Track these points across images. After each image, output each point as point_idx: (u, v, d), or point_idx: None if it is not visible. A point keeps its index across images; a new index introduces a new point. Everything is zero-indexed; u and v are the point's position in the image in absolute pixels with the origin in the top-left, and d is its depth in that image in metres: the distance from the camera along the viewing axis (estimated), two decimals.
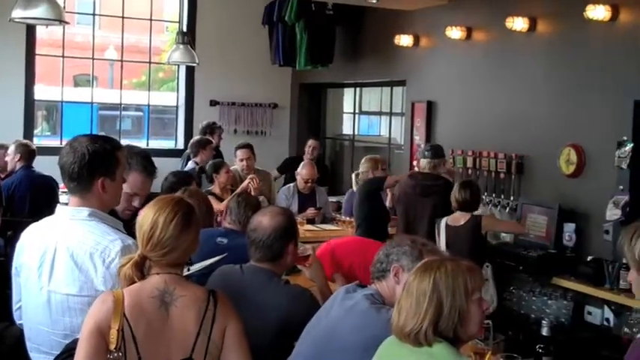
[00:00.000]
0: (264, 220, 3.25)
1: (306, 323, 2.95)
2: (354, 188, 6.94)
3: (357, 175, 6.96)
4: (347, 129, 10.28)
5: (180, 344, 2.40)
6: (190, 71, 9.84)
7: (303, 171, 7.31)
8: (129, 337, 2.36)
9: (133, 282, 2.44)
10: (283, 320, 3.06)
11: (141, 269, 2.46)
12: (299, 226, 6.74)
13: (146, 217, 2.48)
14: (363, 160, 6.91)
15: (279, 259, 3.24)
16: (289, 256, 3.26)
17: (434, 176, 5.95)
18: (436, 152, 6.11)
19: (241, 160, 7.49)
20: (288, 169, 8.59)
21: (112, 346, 2.35)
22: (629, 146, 5.34)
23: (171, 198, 2.59)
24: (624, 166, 5.36)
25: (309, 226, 6.91)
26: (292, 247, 3.27)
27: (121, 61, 10.20)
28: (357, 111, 10.02)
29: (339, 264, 5.05)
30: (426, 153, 6.13)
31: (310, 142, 8.77)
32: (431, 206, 5.86)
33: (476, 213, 5.71)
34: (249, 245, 3.27)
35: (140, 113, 10.80)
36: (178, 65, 9.76)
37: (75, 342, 2.45)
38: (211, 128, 8.54)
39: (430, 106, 7.63)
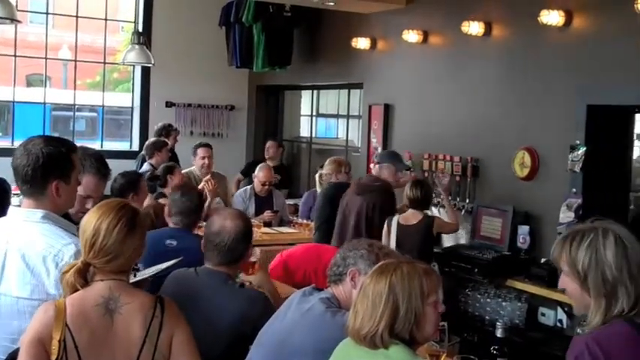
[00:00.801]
0: (227, 224, 3.24)
1: (263, 324, 2.93)
2: (318, 189, 6.92)
3: (320, 176, 6.93)
4: (304, 131, 10.28)
5: (125, 353, 2.35)
6: (146, 72, 9.73)
7: (260, 174, 7.29)
8: (71, 347, 2.32)
9: (76, 289, 2.39)
10: (239, 322, 3.05)
11: (84, 276, 2.41)
12: (256, 229, 6.78)
13: (88, 223, 2.43)
14: (327, 162, 6.88)
15: (237, 262, 3.25)
16: (246, 260, 3.27)
17: (375, 178, 5.99)
18: (382, 157, 6.17)
19: (202, 158, 7.47)
20: (251, 171, 8.54)
21: (54, 357, 2.30)
22: (582, 150, 5.43)
23: (115, 202, 2.53)
24: (577, 169, 5.45)
25: (266, 229, 6.89)
26: (250, 251, 3.28)
27: (75, 60, 10.05)
28: (314, 113, 10.03)
29: (292, 275, 5.05)
30: (374, 157, 6.22)
31: (268, 144, 8.75)
32: (359, 204, 5.78)
33: (429, 213, 5.78)
34: (209, 248, 3.25)
35: (94, 114, 10.65)
36: (134, 66, 9.66)
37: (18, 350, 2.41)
38: (167, 130, 8.48)
39: (387, 109, 7.66)
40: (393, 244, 5.52)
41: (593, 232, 2.14)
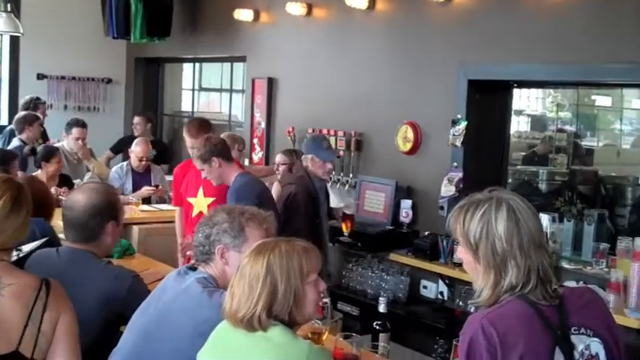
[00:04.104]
0: (80, 198, 3.06)
1: (131, 303, 2.80)
2: None
3: None
4: (186, 106, 10.04)
5: (6, 336, 2.22)
6: (14, 42, 9.20)
7: (137, 148, 7.01)
8: None
9: None
10: (105, 302, 2.90)
11: None
12: (133, 207, 6.53)
13: None
14: (220, 137, 6.68)
15: (95, 239, 3.05)
16: (109, 237, 3.08)
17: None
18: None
19: (77, 140, 7.15)
20: (123, 149, 8.24)
21: None
22: (462, 124, 5.52)
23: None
24: (458, 143, 5.53)
25: (145, 207, 6.64)
26: (111, 227, 3.08)
27: None
28: (196, 87, 9.80)
29: None
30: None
31: (135, 120, 8.44)
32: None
33: None
34: (65, 225, 3.08)
35: None
36: (1, 35, 9.12)
37: None
38: (34, 104, 8.05)
39: (271, 83, 7.55)
40: None
41: (488, 203, 2.09)
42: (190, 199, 5.20)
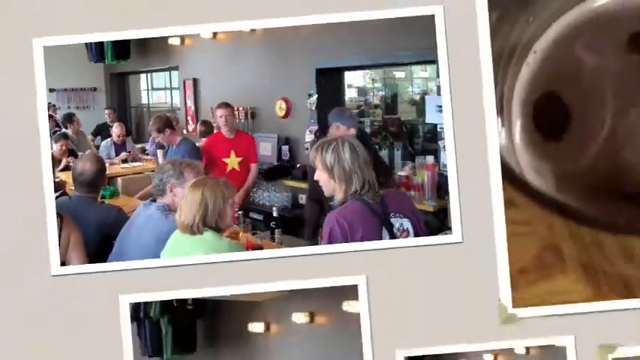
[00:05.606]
0: (88, 167, 3.12)
1: (116, 226, 2.87)
2: None
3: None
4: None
5: None
6: None
7: (116, 130, 6.74)
8: None
9: None
10: (100, 224, 2.95)
11: None
12: (117, 165, 6.34)
13: None
14: (164, 113, 6.45)
15: (98, 190, 3.16)
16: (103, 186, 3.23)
17: None
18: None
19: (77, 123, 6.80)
20: (100, 132, 7.80)
21: None
22: (315, 97, 5.63)
23: None
24: (313, 108, 5.65)
25: (124, 165, 6.46)
26: (103, 181, 3.25)
27: None
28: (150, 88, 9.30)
29: None
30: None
31: (106, 112, 7.97)
32: None
33: None
34: (77, 184, 3.10)
35: None
36: None
37: None
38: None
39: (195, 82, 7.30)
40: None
41: (336, 141, 2.23)
42: (225, 160, 5.03)
